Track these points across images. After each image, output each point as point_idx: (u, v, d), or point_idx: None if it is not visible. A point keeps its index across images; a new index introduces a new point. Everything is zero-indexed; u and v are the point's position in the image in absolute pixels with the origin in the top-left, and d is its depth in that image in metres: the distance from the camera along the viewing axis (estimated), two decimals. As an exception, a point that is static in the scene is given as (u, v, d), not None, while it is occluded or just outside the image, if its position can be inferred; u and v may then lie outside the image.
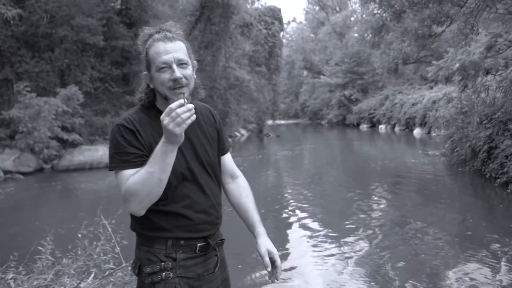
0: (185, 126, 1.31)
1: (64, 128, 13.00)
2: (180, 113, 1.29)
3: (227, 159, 1.74)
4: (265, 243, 1.60)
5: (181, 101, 1.32)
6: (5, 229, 6.41)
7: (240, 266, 4.62)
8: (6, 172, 11.38)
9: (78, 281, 2.93)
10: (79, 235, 3.23)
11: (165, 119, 1.30)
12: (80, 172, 12.21)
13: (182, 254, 1.48)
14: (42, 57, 14.23)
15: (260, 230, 1.65)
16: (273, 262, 1.59)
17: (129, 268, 1.57)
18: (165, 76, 1.43)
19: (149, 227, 1.48)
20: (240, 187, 1.75)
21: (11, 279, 2.83)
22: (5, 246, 5.08)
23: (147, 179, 1.35)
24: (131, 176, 1.39)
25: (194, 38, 18.24)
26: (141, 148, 1.44)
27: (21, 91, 12.31)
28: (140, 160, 1.42)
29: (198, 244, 1.51)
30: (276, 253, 1.60)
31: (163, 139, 1.35)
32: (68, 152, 12.95)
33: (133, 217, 1.52)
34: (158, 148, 1.36)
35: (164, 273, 1.45)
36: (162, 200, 1.44)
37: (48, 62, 14.28)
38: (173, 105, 1.30)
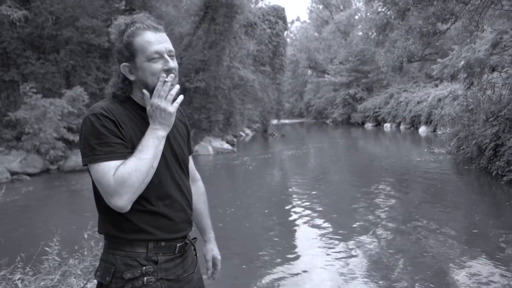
0: (176, 104, 1.38)
1: (70, 129, 13.04)
2: (167, 90, 1.36)
3: (190, 161, 1.72)
4: (212, 250, 1.76)
5: (162, 78, 1.36)
6: (12, 230, 6.45)
7: (244, 266, 4.62)
8: (12, 173, 11.46)
9: (85, 282, 2.95)
10: (85, 236, 3.24)
11: (155, 101, 1.35)
12: (86, 173, 12.20)
13: (162, 256, 1.41)
14: (47, 58, 14.30)
15: (211, 236, 1.78)
16: (215, 265, 1.76)
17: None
18: (157, 66, 1.37)
19: (127, 230, 1.37)
20: (199, 191, 1.77)
21: (18, 279, 2.85)
22: (12, 247, 5.11)
23: (141, 167, 1.29)
24: (120, 167, 1.29)
25: (198, 38, 18.24)
26: (124, 139, 1.34)
27: (27, 92, 12.37)
28: (125, 151, 1.33)
29: (178, 245, 1.46)
30: (219, 260, 1.77)
31: (153, 126, 1.36)
32: (74, 153, 12.98)
33: (105, 219, 1.42)
34: (148, 136, 1.34)
35: (145, 278, 1.36)
36: (145, 199, 1.37)
37: (53, 64, 14.35)
38: (158, 85, 1.36)
